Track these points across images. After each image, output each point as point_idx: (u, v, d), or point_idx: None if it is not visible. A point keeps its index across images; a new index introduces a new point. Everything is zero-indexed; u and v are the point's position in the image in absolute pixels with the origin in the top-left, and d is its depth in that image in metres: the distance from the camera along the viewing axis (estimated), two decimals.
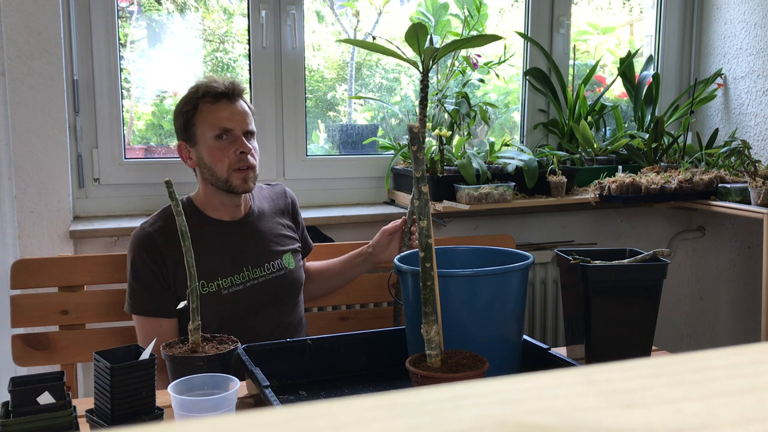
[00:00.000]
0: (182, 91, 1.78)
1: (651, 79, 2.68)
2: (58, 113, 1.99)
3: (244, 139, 1.67)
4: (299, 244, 1.85)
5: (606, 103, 2.67)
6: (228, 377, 1.14)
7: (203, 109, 1.65)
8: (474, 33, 2.29)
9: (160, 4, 2.34)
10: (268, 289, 1.72)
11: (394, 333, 1.46)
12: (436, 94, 2.32)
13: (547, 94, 2.63)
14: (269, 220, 1.80)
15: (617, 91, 2.90)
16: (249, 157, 1.67)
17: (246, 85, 1.91)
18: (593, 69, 2.66)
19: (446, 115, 2.34)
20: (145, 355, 1.11)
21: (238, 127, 1.67)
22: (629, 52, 2.69)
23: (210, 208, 1.72)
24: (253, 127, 1.72)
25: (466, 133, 2.34)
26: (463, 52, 2.33)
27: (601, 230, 2.68)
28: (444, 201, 2.18)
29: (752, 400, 0.29)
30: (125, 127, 2.23)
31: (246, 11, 2.31)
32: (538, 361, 1.35)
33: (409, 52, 1.84)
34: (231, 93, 1.68)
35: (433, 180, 2.19)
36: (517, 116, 2.72)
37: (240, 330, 1.62)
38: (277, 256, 1.75)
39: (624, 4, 3.00)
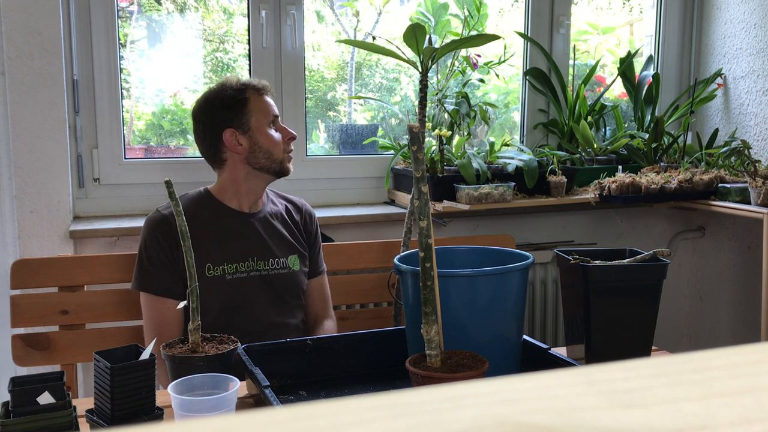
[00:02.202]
0: (183, 91, 1.79)
1: (651, 79, 2.68)
2: (58, 113, 1.99)
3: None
4: (307, 254, 1.86)
5: (606, 103, 2.67)
6: (228, 377, 1.14)
7: (254, 99, 1.78)
8: (474, 33, 2.29)
9: (160, 4, 2.34)
10: (269, 283, 1.75)
11: (394, 333, 1.46)
12: (436, 94, 2.32)
13: (547, 94, 2.63)
14: (281, 222, 1.84)
15: (617, 91, 2.90)
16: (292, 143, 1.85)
17: None
18: (593, 69, 2.66)
19: (446, 115, 2.34)
20: (145, 355, 1.11)
21: (279, 117, 1.84)
22: (629, 52, 2.69)
23: (229, 197, 1.78)
24: None
25: (466, 133, 2.34)
26: (463, 52, 2.33)
27: (601, 230, 2.68)
28: (444, 201, 2.18)
29: (752, 400, 0.29)
30: (125, 127, 2.23)
31: (246, 11, 2.31)
32: (538, 361, 1.35)
33: (409, 52, 1.84)
34: (267, 88, 1.83)
35: (433, 180, 2.19)
36: (517, 116, 2.72)
37: (238, 321, 1.66)
38: (283, 254, 1.79)
39: (624, 4, 3.00)
